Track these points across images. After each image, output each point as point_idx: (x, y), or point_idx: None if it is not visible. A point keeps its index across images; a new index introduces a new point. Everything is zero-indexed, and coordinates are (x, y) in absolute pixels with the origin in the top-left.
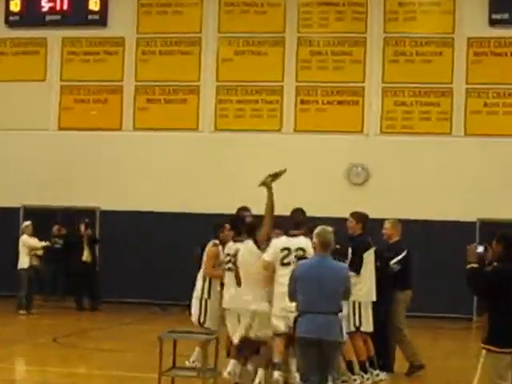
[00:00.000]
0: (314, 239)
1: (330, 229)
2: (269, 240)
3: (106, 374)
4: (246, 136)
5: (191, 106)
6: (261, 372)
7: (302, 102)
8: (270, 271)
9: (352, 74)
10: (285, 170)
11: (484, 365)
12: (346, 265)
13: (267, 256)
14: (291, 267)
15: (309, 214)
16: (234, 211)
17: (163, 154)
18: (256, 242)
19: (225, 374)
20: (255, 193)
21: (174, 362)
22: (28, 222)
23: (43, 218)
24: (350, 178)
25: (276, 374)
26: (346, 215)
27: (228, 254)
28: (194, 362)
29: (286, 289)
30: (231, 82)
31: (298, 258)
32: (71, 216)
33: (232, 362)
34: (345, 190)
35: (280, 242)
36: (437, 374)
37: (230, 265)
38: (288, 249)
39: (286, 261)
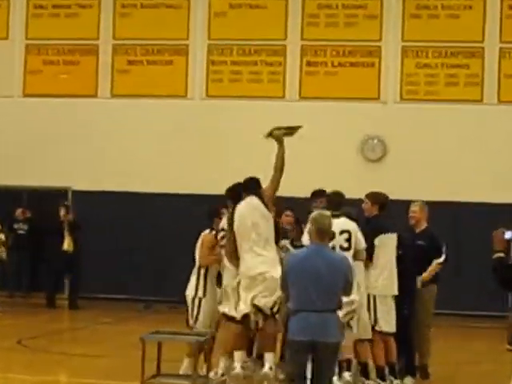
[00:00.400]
0: (310, 225)
1: (327, 213)
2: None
3: (78, 383)
4: (242, 104)
5: (179, 68)
6: (269, 356)
7: (309, 63)
8: None
9: (367, 32)
10: (300, 127)
11: None
12: (346, 255)
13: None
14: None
15: None
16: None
17: (146, 125)
18: (262, 199)
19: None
20: (253, 169)
21: (159, 368)
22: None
23: (6, 200)
24: (364, 153)
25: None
26: (360, 195)
27: (223, 229)
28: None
29: None
30: (225, 41)
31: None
32: (38, 197)
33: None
34: (359, 167)
35: None
36: (466, 381)
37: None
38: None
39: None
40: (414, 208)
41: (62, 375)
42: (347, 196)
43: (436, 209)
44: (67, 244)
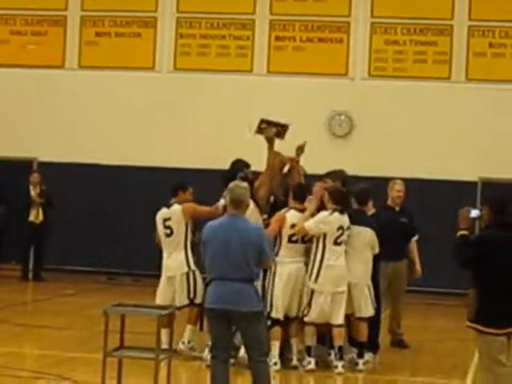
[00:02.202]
0: (227, 195)
1: (244, 184)
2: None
3: (42, 354)
4: (210, 77)
5: (147, 40)
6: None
7: (277, 38)
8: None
9: (335, 7)
10: (288, 126)
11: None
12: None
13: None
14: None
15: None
16: (196, 165)
17: (113, 97)
18: (256, 202)
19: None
20: (222, 144)
21: (122, 341)
22: None
23: None
24: (331, 129)
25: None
26: (326, 171)
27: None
28: (189, 342)
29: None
30: (194, 14)
31: None
32: (4, 168)
33: None
34: (325, 143)
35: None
36: (430, 359)
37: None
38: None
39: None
40: (400, 187)
41: (24, 347)
42: (313, 172)
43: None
44: (34, 215)
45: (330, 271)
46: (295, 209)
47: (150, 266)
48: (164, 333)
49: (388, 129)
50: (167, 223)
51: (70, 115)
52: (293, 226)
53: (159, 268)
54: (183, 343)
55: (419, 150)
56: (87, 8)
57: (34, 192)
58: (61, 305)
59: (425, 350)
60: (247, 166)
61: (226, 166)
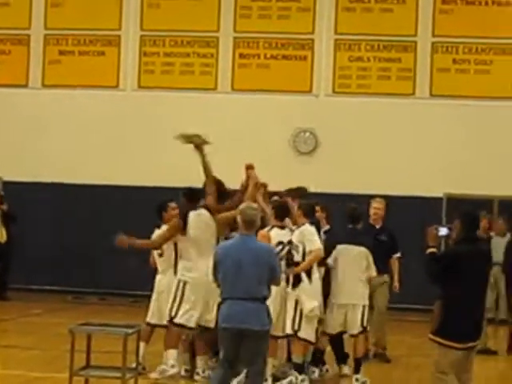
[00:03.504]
0: (238, 217)
1: (255, 206)
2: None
3: (8, 374)
4: (174, 95)
5: (110, 59)
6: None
7: (241, 56)
8: None
9: (299, 24)
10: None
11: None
12: (271, 245)
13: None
14: None
15: None
16: (162, 183)
17: (77, 115)
18: (210, 211)
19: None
20: (185, 162)
21: (88, 360)
22: None
23: None
24: (296, 146)
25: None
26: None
27: None
28: (203, 371)
29: None
30: (158, 32)
31: None
32: None
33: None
34: (290, 160)
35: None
36: (402, 374)
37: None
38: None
39: None
40: (378, 205)
41: None
42: (278, 189)
43: (366, 203)
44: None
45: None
46: (277, 227)
47: (116, 285)
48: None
49: (353, 145)
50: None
51: (34, 134)
52: (279, 243)
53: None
54: (198, 374)
55: (384, 166)
56: (50, 27)
57: None
58: (27, 324)
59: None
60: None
61: (192, 183)
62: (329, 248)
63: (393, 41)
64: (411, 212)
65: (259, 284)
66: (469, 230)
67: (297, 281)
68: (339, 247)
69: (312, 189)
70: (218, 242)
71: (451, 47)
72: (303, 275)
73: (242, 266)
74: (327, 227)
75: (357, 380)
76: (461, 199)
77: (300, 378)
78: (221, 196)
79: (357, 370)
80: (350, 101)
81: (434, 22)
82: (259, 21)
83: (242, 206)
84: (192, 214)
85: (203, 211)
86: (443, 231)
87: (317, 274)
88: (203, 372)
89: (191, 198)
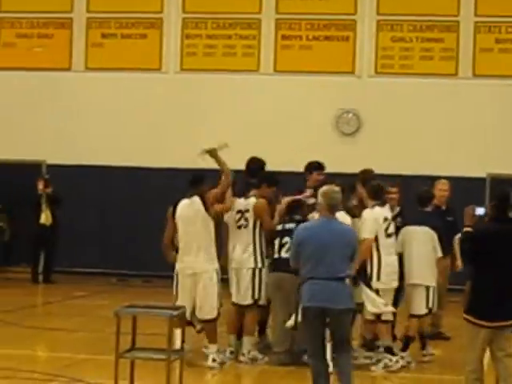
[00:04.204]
0: (320, 199)
1: (337, 188)
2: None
3: (53, 357)
4: (217, 77)
5: (153, 41)
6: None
7: (284, 37)
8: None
9: (342, 5)
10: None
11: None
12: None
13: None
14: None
15: (290, 169)
16: (203, 165)
17: (120, 98)
18: (203, 200)
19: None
20: (229, 144)
21: (134, 342)
22: None
23: None
24: (339, 127)
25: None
26: (334, 169)
27: (239, 211)
28: (249, 352)
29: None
30: (200, 14)
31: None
32: (12, 171)
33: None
34: (333, 141)
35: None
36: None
37: (242, 222)
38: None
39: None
40: (444, 186)
41: (35, 349)
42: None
43: (410, 183)
44: (45, 217)
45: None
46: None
47: (160, 267)
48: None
49: (395, 126)
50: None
51: (77, 117)
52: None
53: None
54: (243, 355)
55: (427, 146)
56: (93, 9)
57: (43, 194)
58: (71, 307)
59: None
60: (263, 164)
61: (233, 164)
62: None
63: (435, 21)
64: (454, 193)
65: (342, 264)
66: (499, 209)
67: None
68: (406, 229)
69: (354, 170)
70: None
71: (494, 27)
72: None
73: (327, 247)
74: (398, 209)
75: (402, 358)
76: (504, 179)
77: (394, 359)
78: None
79: (405, 349)
80: (393, 81)
81: (476, 2)
82: (301, 2)
83: (324, 189)
84: (182, 203)
85: (196, 199)
86: (480, 211)
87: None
88: (248, 353)
89: (191, 183)
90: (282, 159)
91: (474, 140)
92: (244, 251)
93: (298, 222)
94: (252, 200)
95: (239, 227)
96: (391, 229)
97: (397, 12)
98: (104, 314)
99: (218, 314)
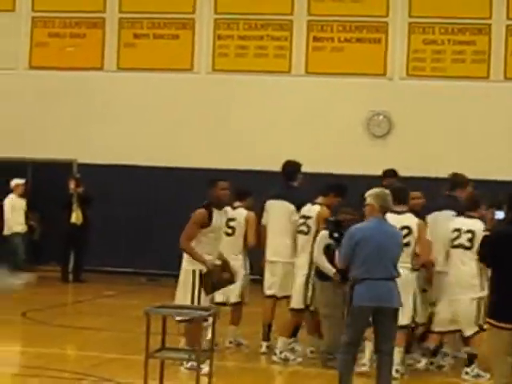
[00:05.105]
0: (372, 201)
1: (387, 191)
2: None
3: (83, 356)
4: (248, 78)
5: (185, 42)
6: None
7: (315, 39)
8: None
9: (374, 7)
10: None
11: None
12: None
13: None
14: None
15: (321, 170)
16: (233, 166)
17: (152, 98)
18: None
19: None
20: (258, 144)
21: (164, 343)
22: (20, 181)
23: (10, 173)
24: (369, 129)
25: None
26: (365, 171)
27: (303, 216)
28: (281, 352)
29: None
30: (232, 15)
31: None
32: (43, 170)
33: None
34: (364, 143)
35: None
36: None
37: (303, 227)
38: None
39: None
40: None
41: (65, 348)
42: (351, 172)
43: (440, 186)
44: (75, 217)
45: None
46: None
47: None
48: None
49: (426, 128)
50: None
51: (108, 117)
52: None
53: None
54: (275, 355)
55: (458, 149)
56: (125, 10)
57: (74, 194)
58: (101, 306)
59: None
60: (299, 166)
61: (264, 166)
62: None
63: (467, 23)
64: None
65: (394, 265)
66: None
67: None
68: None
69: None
70: None
71: None
72: None
73: (382, 248)
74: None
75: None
76: None
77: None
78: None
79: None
80: (424, 84)
81: (508, 5)
82: (333, 4)
83: (377, 191)
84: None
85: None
86: (499, 214)
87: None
88: (281, 353)
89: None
90: (312, 161)
91: (505, 142)
92: (302, 256)
93: (336, 240)
94: (316, 207)
95: (299, 232)
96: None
97: (429, 14)
98: (133, 313)
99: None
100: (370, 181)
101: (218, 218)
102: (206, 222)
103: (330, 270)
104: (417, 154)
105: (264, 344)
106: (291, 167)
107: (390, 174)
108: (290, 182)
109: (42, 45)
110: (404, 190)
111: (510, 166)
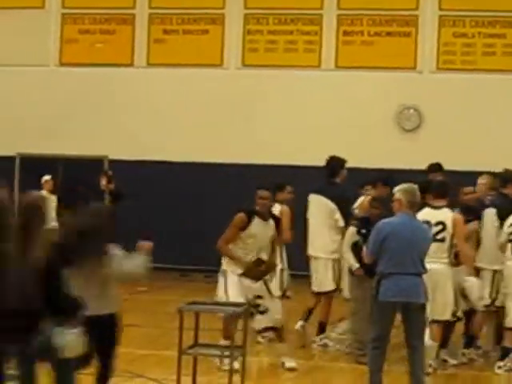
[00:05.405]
0: (400, 196)
1: (416, 186)
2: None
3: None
4: (278, 73)
5: (215, 37)
6: None
7: (345, 33)
8: None
9: (403, 0)
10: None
11: None
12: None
13: None
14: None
15: (352, 164)
16: (264, 161)
17: (182, 94)
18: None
19: None
20: (290, 139)
21: (196, 339)
22: (48, 177)
23: (42, 169)
24: (400, 123)
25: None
26: (395, 165)
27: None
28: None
29: None
30: (261, 10)
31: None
32: (75, 166)
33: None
34: (394, 137)
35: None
36: None
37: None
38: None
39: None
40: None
41: None
42: (382, 166)
43: (473, 179)
44: None
45: None
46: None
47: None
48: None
49: (457, 122)
50: None
51: (139, 113)
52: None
53: None
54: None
55: (489, 143)
56: (155, 5)
57: (106, 190)
58: (133, 302)
59: None
60: (343, 162)
61: (297, 161)
62: None
63: (497, 16)
64: None
65: (421, 260)
66: None
67: None
68: None
69: (415, 166)
70: None
71: None
72: None
73: (410, 243)
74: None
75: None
76: None
77: None
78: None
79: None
80: (455, 77)
81: None
82: None
83: (405, 187)
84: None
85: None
86: None
87: None
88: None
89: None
90: (343, 155)
91: None
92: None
93: (364, 236)
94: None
95: None
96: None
97: (458, 7)
98: (166, 309)
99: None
100: (400, 175)
101: (259, 226)
102: (244, 226)
103: (353, 265)
104: (447, 147)
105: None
106: (335, 163)
107: (435, 168)
108: (331, 179)
109: (72, 41)
110: (443, 184)
111: None
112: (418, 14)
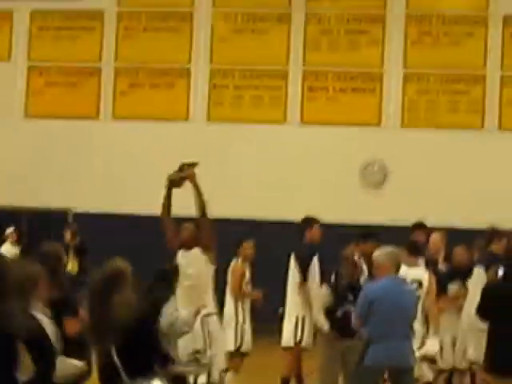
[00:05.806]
0: (383, 259)
1: (397, 250)
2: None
3: None
4: (244, 128)
5: (181, 91)
6: None
7: (310, 89)
8: None
9: (368, 57)
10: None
11: None
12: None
13: None
14: None
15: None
16: (229, 216)
17: (147, 147)
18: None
19: None
20: (254, 194)
21: None
22: (9, 229)
23: (4, 221)
24: (364, 178)
25: None
26: (360, 221)
27: None
28: None
29: None
30: (227, 65)
31: None
32: (38, 219)
33: None
34: (359, 192)
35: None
36: None
37: None
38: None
39: None
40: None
41: None
42: (347, 222)
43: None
44: (71, 266)
45: None
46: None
47: None
48: None
49: (422, 178)
50: None
51: (104, 166)
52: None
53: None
54: None
55: (453, 198)
56: (121, 59)
57: (70, 245)
58: None
59: None
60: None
61: (259, 215)
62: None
63: (462, 74)
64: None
65: (410, 323)
66: (508, 266)
67: None
68: None
69: (379, 221)
70: None
71: None
72: None
73: (399, 307)
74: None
75: None
76: None
77: None
78: None
79: None
80: (419, 134)
81: (502, 55)
82: (328, 54)
83: (389, 250)
84: None
85: None
86: (501, 270)
87: None
88: None
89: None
90: (308, 210)
91: (501, 192)
92: None
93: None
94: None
95: None
96: None
97: (423, 65)
98: None
99: None
100: (364, 230)
101: None
102: None
103: (323, 325)
104: (411, 203)
105: None
106: (302, 222)
107: (418, 226)
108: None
109: (38, 93)
110: (415, 242)
111: (506, 215)
112: (382, 71)
